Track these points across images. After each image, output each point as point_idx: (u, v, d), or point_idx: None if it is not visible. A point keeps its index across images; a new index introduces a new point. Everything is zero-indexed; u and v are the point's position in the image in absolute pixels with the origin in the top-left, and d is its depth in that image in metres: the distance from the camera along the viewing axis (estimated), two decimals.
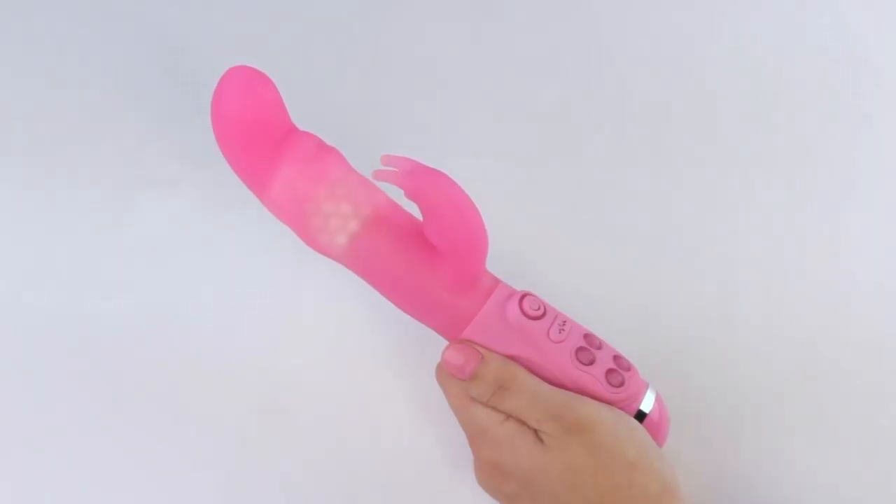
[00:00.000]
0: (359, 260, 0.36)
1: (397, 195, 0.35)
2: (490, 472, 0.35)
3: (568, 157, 0.50)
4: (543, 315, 0.35)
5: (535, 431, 0.34)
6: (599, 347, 0.36)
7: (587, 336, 0.36)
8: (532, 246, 0.45)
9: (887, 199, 0.48)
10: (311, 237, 0.36)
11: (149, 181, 0.47)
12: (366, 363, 0.42)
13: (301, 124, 0.38)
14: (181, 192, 0.47)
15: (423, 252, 0.36)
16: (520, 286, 0.37)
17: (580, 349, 0.35)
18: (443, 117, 0.51)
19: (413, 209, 0.35)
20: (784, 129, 0.51)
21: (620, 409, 0.35)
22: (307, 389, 0.41)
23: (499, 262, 0.37)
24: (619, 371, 0.35)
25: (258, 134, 0.36)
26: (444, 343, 0.36)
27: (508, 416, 0.34)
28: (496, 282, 0.37)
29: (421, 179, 0.33)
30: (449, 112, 0.51)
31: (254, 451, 0.39)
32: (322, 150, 0.37)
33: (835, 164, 0.50)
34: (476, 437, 0.35)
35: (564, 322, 0.36)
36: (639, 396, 0.35)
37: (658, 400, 0.36)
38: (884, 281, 0.45)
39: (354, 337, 0.43)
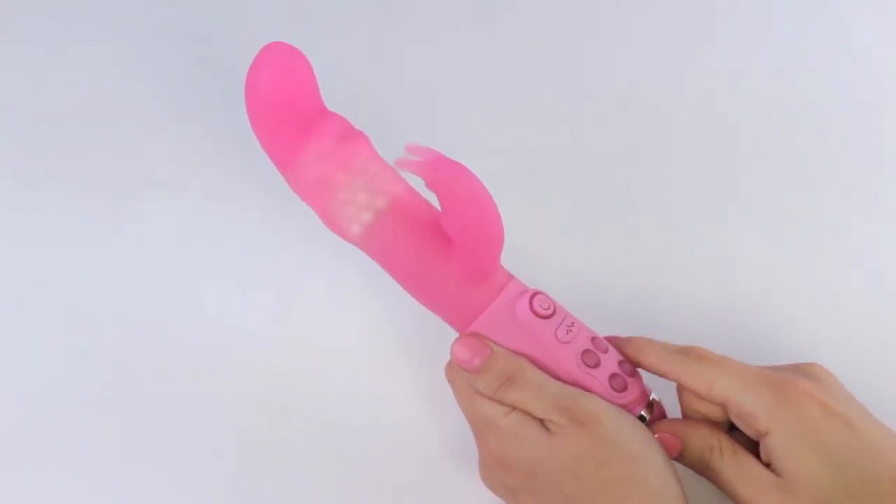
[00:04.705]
0: (375, 245, 0.37)
1: (418, 184, 0.35)
2: (494, 465, 0.35)
3: (569, 155, 0.50)
4: (552, 315, 0.35)
5: (541, 421, 0.34)
6: (605, 351, 0.36)
7: (594, 339, 0.36)
8: (533, 244, 0.45)
9: None
10: (331, 219, 0.37)
11: (151, 181, 0.48)
12: (368, 363, 0.42)
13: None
14: (183, 192, 0.47)
15: (439, 242, 0.36)
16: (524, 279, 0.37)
17: (586, 351, 0.35)
18: (444, 115, 0.51)
19: (433, 199, 0.35)
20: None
21: None
22: (309, 389, 0.41)
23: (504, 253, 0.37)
24: (622, 376, 0.35)
25: (292, 111, 0.36)
26: (449, 341, 0.36)
27: (514, 408, 0.34)
28: (509, 277, 0.37)
29: (442, 170, 0.33)
30: (451, 110, 0.51)
31: (255, 450, 0.39)
32: (350, 133, 0.37)
33: None
34: (482, 430, 0.35)
35: (573, 324, 0.36)
36: (640, 402, 0.35)
37: (659, 406, 0.36)
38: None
39: (356, 336, 0.43)
